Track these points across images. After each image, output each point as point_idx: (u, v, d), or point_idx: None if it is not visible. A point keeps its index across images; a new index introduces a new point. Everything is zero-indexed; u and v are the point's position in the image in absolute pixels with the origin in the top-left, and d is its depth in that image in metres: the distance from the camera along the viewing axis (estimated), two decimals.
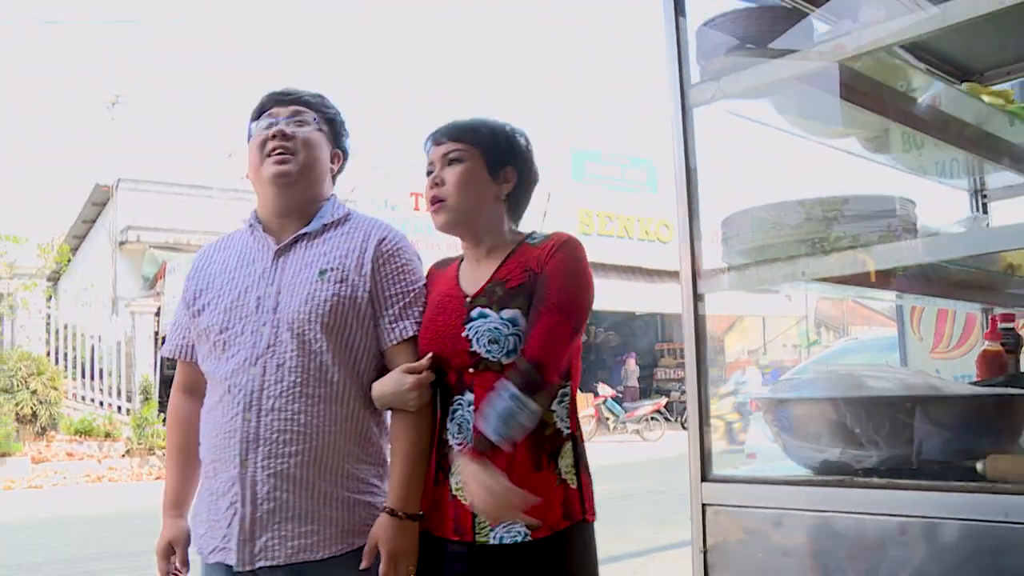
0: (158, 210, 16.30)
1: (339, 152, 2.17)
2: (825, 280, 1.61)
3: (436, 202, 2.03)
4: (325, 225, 2.10)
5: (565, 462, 1.93)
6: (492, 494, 1.78)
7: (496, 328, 1.92)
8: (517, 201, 2.09)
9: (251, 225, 2.14)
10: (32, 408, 13.74)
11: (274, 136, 2.02)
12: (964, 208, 2.81)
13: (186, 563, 2.09)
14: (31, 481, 11.67)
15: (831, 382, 1.64)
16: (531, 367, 1.82)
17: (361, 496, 2.01)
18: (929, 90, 1.98)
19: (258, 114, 2.11)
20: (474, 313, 1.96)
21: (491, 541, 1.90)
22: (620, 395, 20.00)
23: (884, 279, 1.67)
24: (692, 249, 1.74)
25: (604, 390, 19.27)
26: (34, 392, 13.58)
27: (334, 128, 2.15)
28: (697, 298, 1.73)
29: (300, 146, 2.05)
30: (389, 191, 17.00)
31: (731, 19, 1.79)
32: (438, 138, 2.08)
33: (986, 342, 2.45)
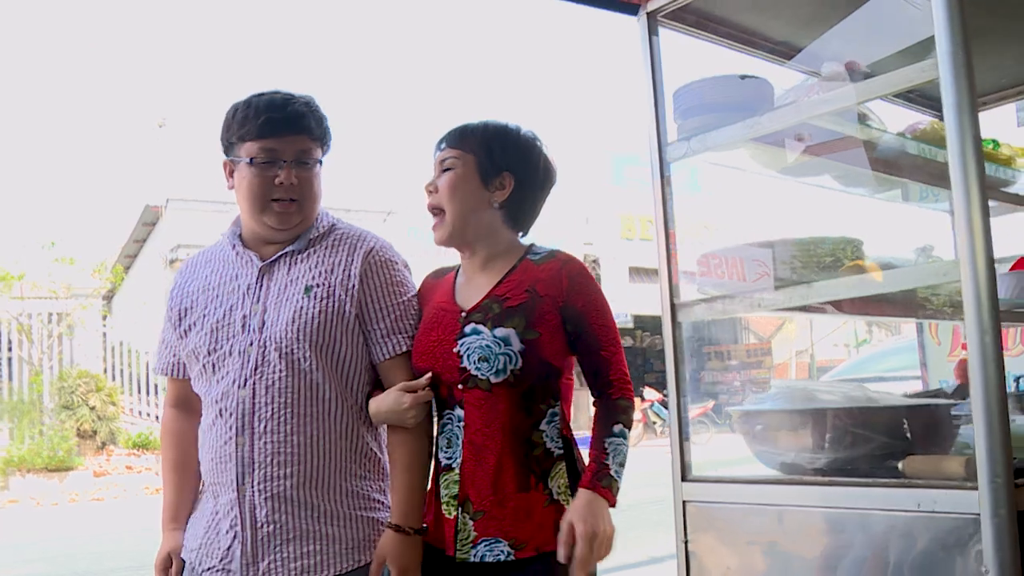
0: (206, 228, 16.80)
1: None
2: (780, 309, 1.91)
3: (433, 211, 2.02)
4: (311, 240, 2.04)
5: (557, 482, 1.92)
6: (602, 536, 1.78)
7: (487, 346, 1.91)
8: (518, 208, 2.04)
9: (232, 240, 2.07)
10: (92, 424, 14.37)
11: (280, 184, 1.95)
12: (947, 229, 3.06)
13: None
14: (93, 494, 12.16)
15: (789, 397, 1.93)
16: (626, 401, 1.89)
17: (364, 512, 1.99)
18: (876, 135, 2.24)
19: (254, 134, 1.96)
20: (468, 329, 1.94)
21: (471, 559, 1.89)
22: (666, 399, 20.17)
23: (839, 305, 1.96)
24: (670, 283, 2.03)
25: (651, 394, 19.38)
26: (93, 408, 14.20)
27: (327, 143, 2.07)
28: (676, 325, 2.03)
29: (304, 193, 1.99)
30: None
31: (700, 86, 2.09)
32: (439, 144, 2.06)
33: (963, 351, 2.72)
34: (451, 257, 2.09)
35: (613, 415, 1.88)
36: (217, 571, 1.93)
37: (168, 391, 2.16)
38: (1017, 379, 3.50)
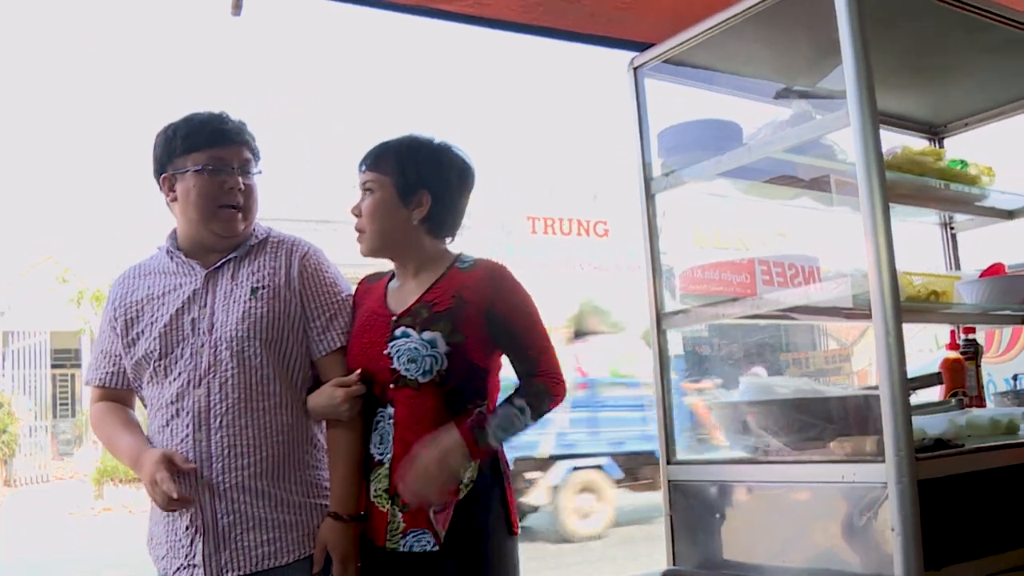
0: None
1: None
2: (744, 319, 2.26)
3: (357, 231, 2.12)
4: (251, 247, 2.14)
5: None
6: (435, 467, 1.90)
7: (415, 348, 2.00)
8: (439, 219, 2.13)
9: (169, 251, 2.15)
10: None
11: (230, 189, 2.06)
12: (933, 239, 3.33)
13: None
14: None
15: (753, 389, 2.28)
16: (547, 385, 2.01)
17: (315, 500, 2.08)
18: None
19: (202, 145, 2.07)
20: (397, 332, 2.03)
21: (401, 548, 1.98)
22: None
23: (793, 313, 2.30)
24: (656, 298, 2.40)
25: (711, 398, 19.48)
26: None
27: (259, 159, 2.17)
28: (660, 332, 2.39)
29: (249, 199, 2.11)
30: (505, 215, 17.80)
31: (680, 128, 2.45)
32: (360, 164, 2.15)
33: (948, 352, 2.99)
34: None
35: (522, 392, 2.02)
36: (185, 568, 2.00)
37: (97, 401, 2.18)
38: (1015, 377, 3.77)
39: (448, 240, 2.18)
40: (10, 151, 19.62)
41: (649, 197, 2.44)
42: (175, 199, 2.10)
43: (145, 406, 2.15)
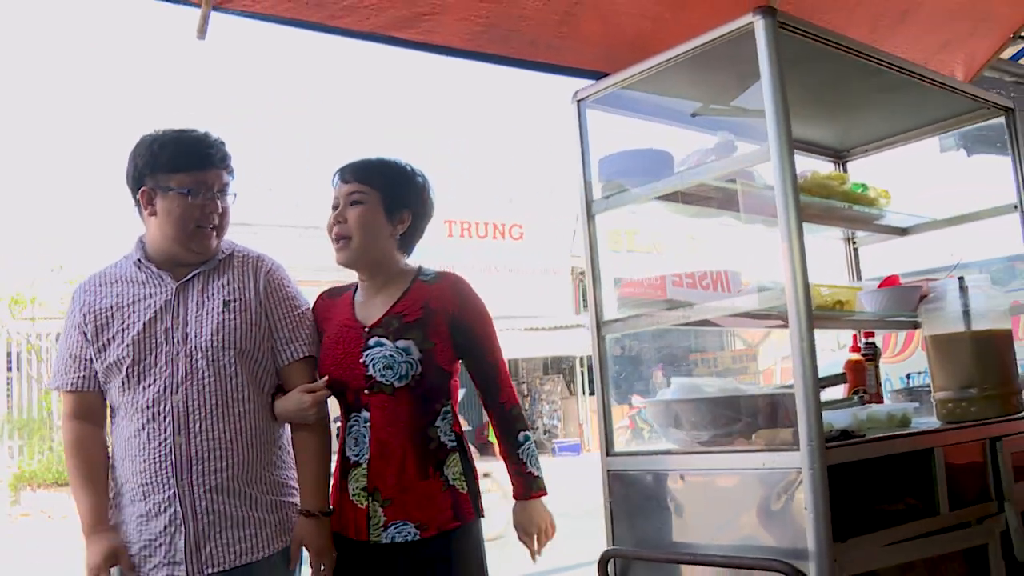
0: None
1: None
2: (676, 325, 2.54)
3: (340, 239, 2.23)
4: (219, 261, 2.25)
5: (452, 470, 2.21)
6: (544, 528, 2.26)
7: (391, 355, 2.15)
8: (411, 237, 2.31)
9: (139, 261, 2.23)
10: None
11: (209, 213, 2.17)
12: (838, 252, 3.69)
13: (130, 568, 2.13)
14: None
15: (683, 389, 2.56)
16: (516, 407, 2.28)
17: (285, 498, 2.22)
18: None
19: (184, 166, 2.15)
20: (371, 342, 2.18)
21: (384, 540, 2.15)
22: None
23: (718, 320, 2.60)
24: (596, 307, 2.65)
25: (638, 401, 19.93)
26: None
27: (232, 179, 2.27)
28: (600, 338, 2.65)
29: (224, 221, 2.22)
30: None
31: (618, 157, 2.72)
32: (345, 176, 2.27)
33: (850, 354, 3.32)
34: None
35: (513, 425, 2.26)
36: (165, 565, 2.10)
37: (69, 405, 2.22)
38: (908, 376, 4.16)
39: (406, 255, 2.37)
40: None
41: (590, 217, 2.70)
42: (153, 213, 2.19)
43: (112, 408, 2.22)
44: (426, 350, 2.17)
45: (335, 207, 2.26)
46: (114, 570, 2.14)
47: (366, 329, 2.21)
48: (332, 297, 2.37)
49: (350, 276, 2.41)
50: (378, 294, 2.28)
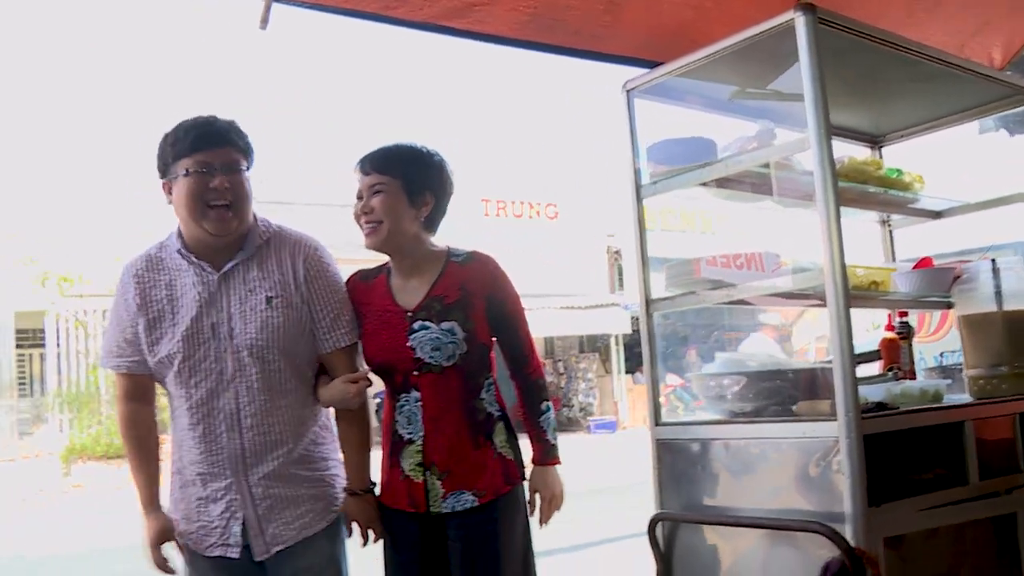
0: None
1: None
2: (719, 304, 2.69)
3: (368, 226, 2.31)
4: (257, 246, 2.28)
5: (499, 438, 2.34)
6: (557, 496, 2.38)
7: (437, 337, 2.25)
8: (434, 218, 2.40)
9: (180, 251, 2.27)
10: None
11: (213, 190, 2.17)
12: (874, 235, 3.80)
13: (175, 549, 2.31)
14: None
15: (728, 363, 2.72)
16: (542, 379, 2.40)
17: (331, 474, 2.34)
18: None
19: (187, 151, 2.18)
20: (416, 326, 2.28)
21: (444, 510, 2.28)
22: (687, 384, 20.74)
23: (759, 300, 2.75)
24: (644, 286, 2.83)
25: (672, 379, 20.03)
26: None
27: (250, 157, 2.29)
28: (649, 316, 2.82)
29: (237, 196, 2.21)
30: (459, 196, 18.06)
31: (664, 145, 2.88)
32: (365, 168, 2.34)
33: (885, 332, 3.45)
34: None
35: (538, 395, 2.40)
36: (218, 547, 2.23)
37: (122, 386, 2.33)
38: (941, 354, 4.27)
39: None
40: None
41: (639, 200, 2.86)
42: (172, 203, 2.26)
43: (168, 393, 2.33)
44: (469, 329, 2.28)
45: (359, 198, 2.34)
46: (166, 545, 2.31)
47: (409, 313, 2.31)
48: (365, 280, 2.43)
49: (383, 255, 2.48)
50: (413, 277, 2.37)
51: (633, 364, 20.11)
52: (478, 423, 2.31)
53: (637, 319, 2.97)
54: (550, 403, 2.40)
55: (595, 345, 22.06)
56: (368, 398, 2.37)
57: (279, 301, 2.24)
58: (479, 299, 2.31)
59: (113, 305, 2.35)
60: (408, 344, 2.28)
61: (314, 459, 2.31)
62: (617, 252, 21.19)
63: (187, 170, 2.17)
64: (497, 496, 2.29)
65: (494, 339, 2.41)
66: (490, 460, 2.30)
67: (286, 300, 2.25)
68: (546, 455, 2.39)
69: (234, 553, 2.21)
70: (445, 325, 2.26)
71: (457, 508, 2.26)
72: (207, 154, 2.18)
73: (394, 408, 2.33)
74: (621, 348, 20.81)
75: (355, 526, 2.38)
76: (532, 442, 2.40)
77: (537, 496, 2.40)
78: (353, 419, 2.35)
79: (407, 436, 2.30)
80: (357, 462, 2.35)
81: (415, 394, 2.29)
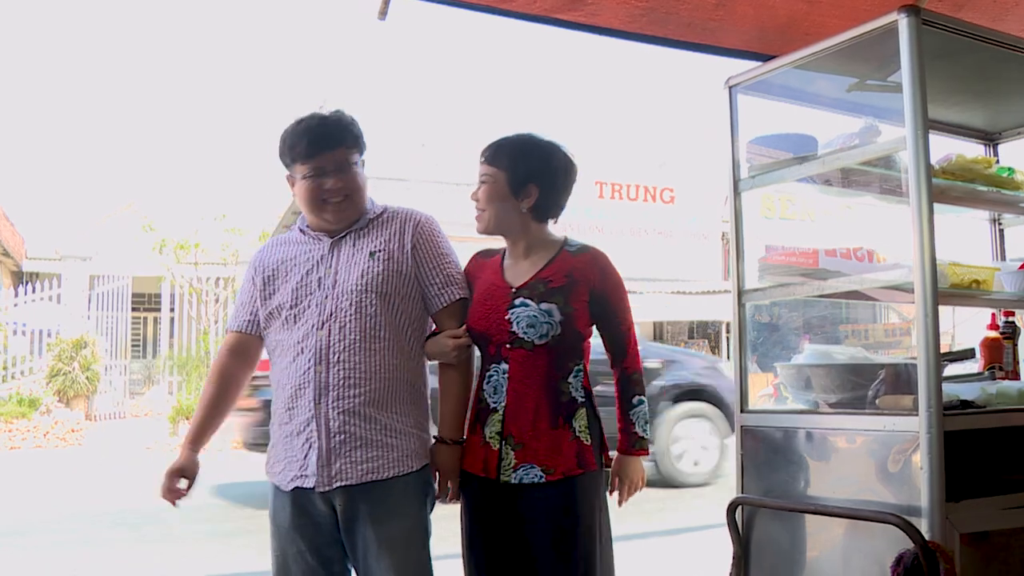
0: None
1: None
2: (812, 296, 2.75)
3: (477, 212, 2.45)
4: (369, 220, 2.45)
5: (579, 423, 2.37)
6: (636, 483, 2.42)
7: (535, 315, 2.34)
8: (544, 207, 2.46)
9: (302, 229, 2.50)
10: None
11: (328, 189, 2.37)
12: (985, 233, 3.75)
13: (188, 490, 2.44)
14: None
15: (815, 356, 2.78)
16: (638, 373, 2.44)
17: (411, 430, 2.38)
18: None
19: (302, 157, 2.37)
20: (517, 302, 2.37)
21: (512, 480, 2.34)
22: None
23: (853, 294, 2.79)
24: (738, 277, 2.90)
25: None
26: None
27: (362, 146, 2.44)
28: (741, 305, 2.90)
29: (351, 190, 2.40)
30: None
31: (764, 140, 2.94)
32: (480, 157, 2.47)
33: (988, 332, 3.42)
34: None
35: (632, 388, 2.44)
36: (297, 478, 2.32)
37: (228, 341, 2.55)
38: None
39: (552, 222, 2.52)
40: (99, 102, 20.53)
41: (737, 194, 2.94)
42: (295, 194, 2.47)
43: (269, 349, 2.49)
44: (567, 314, 2.36)
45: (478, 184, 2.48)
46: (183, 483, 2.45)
47: (513, 289, 2.41)
48: (484, 258, 2.56)
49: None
50: (525, 259, 2.47)
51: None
52: (560, 404, 2.37)
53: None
54: (643, 398, 2.45)
55: (705, 331, 21.88)
56: (472, 355, 2.47)
57: (381, 254, 2.40)
58: (583, 289, 2.39)
59: (243, 280, 2.59)
60: (506, 317, 2.37)
61: (396, 411, 2.36)
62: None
63: (303, 175, 2.38)
64: (567, 476, 2.34)
65: (592, 329, 2.48)
66: (565, 442, 2.35)
67: (388, 254, 2.40)
68: (632, 445, 2.45)
69: (309, 483, 2.30)
70: (544, 306, 2.35)
71: (524, 480, 2.33)
72: (320, 159, 2.37)
73: (484, 377, 2.43)
74: (732, 335, 20.51)
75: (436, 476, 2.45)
76: (620, 432, 2.46)
77: (617, 480, 2.47)
78: (453, 371, 2.45)
79: (492, 404, 2.39)
80: (452, 411, 2.44)
81: (504, 366, 2.38)
